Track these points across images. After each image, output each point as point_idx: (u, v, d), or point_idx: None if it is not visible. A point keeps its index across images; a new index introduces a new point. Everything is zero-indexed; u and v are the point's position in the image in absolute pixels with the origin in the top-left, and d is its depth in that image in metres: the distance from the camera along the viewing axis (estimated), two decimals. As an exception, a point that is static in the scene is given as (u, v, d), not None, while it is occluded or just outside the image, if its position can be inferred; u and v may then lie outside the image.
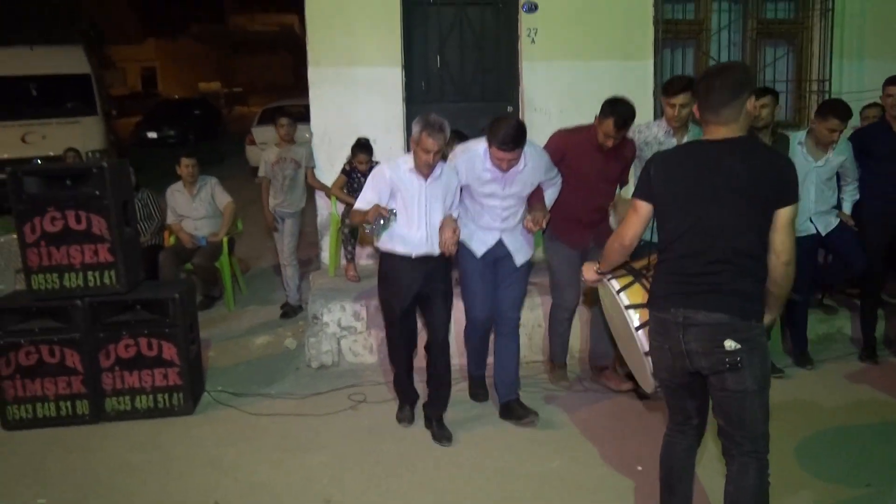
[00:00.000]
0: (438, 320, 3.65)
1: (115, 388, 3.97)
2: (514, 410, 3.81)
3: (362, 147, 5.21)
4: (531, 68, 5.63)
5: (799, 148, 4.19)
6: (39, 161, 8.73)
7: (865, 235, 4.38)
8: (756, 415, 2.33)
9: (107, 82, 16.60)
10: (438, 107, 5.74)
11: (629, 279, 2.77)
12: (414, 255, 3.52)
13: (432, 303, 3.64)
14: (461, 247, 3.71)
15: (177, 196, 5.87)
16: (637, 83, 5.68)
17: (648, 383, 2.68)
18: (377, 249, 3.69)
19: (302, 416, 3.94)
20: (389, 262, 3.61)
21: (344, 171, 5.27)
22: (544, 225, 3.65)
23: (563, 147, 3.86)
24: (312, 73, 5.54)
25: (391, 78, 5.55)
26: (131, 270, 4.03)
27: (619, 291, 2.73)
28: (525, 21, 5.59)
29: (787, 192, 2.31)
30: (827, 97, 5.80)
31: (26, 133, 10.12)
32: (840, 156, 4.20)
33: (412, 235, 3.51)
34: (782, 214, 2.30)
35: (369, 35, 5.49)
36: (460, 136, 5.06)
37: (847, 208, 4.45)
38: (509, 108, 5.78)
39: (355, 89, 5.51)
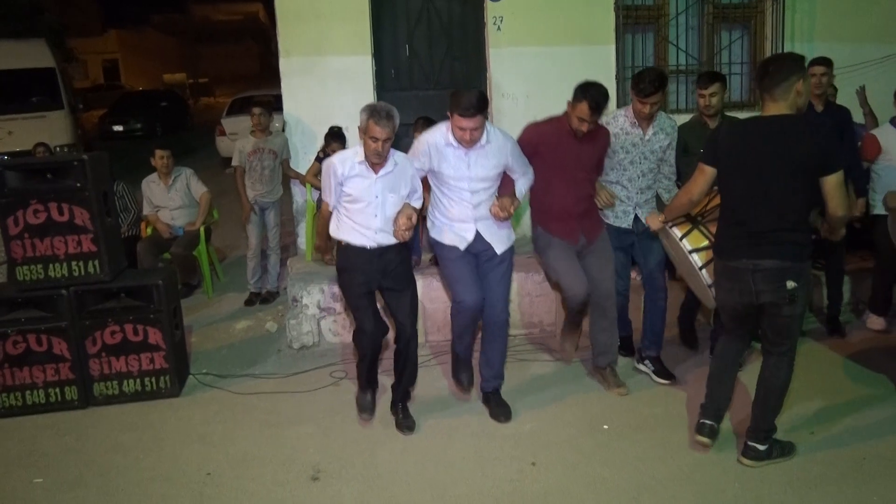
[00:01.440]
0: (402, 314, 3.59)
1: (103, 373, 4.10)
2: (489, 402, 3.80)
3: (335, 136, 5.35)
4: (498, 55, 5.82)
5: None
6: (7, 157, 8.71)
7: None
8: (796, 329, 3.06)
9: (69, 75, 16.38)
10: (409, 94, 5.93)
11: (688, 226, 3.50)
12: (369, 247, 3.49)
13: (395, 297, 3.60)
14: (437, 242, 3.70)
15: (152, 187, 5.95)
16: (600, 67, 5.89)
17: (710, 302, 3.45)
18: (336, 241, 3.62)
19: (286, 394, 4.11)
20: (345, 255, 3.55)
21: (318, 158, 5.41)
22: (512, 211, 3.57)
23: (537, 138, 3.78)
24: (284, 64, 5.67)
25: (361, 67, 5.69)
26: (114, 259, 4.15)
27: (681, 238, 3.48)
28: (490, 9, 5.77)
29: (827, 161, 2.82)
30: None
31: (-8, 129, 10.07)
32: None
33: (367, 227, 3.47)
34: (828, 182, 2.83)
35: (339, 25, 5.63)
36: (429, 123, 5.24)
37: None
38: (477, 94, 5.95)
39: (326, 78, 5.65)
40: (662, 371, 4.14)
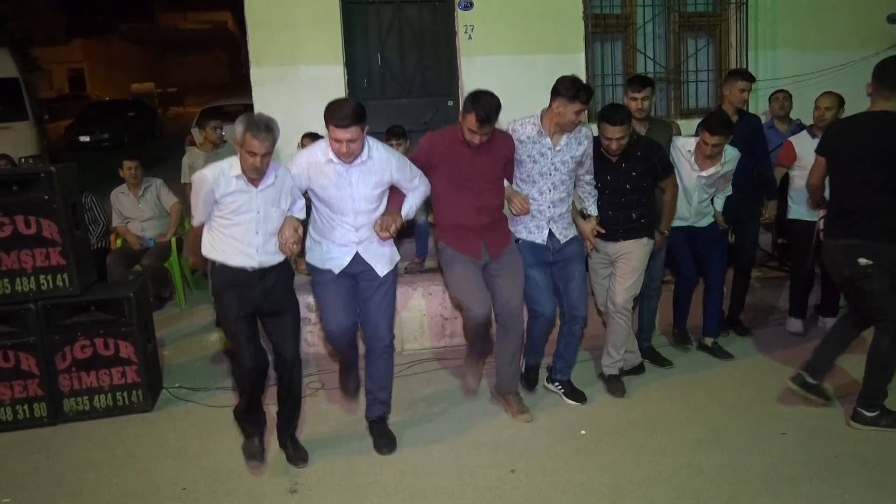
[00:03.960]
0: (284, 337, 3.33)
1: (73, 388, 4.01)
2: (373, 432, 3.61)
3: (313, 140, 5.32)
4: (469, 63, 5.87)
5: (688, 155, 4.23)
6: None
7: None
8: (889, 304, 3.34)
9: (34, 85, 16.08)
10: (381, 103, 5.93)
11: None
12: (249, 268, 3.20)
13: (276, 321, 3.32)
14: (311, 266, 3.48)
15: (122, 199, 5.86)
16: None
17: None
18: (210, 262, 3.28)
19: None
20: (221, 276, 3.23)
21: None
22: (392, 231, 3.35)
23: (430, 150, 3.56)
24: (254, 73, 5.64)
25: (333, 75, 5.69)
26: (84, 272, 4.07)
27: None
28: (462, 18, 5.82)
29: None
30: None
31: (-47, 140, 9.85)
32: (729, 166, 4.26)
33: (248, 244, 3.18)
34: None
35: (310, 34, 5.62)
36: (400, 133, 5.25)
37: (719, 206, 4.50)
38: (450, 103, 6.00)
39: (298, 88, 5.62)
40: (572, 392, 3.99)
